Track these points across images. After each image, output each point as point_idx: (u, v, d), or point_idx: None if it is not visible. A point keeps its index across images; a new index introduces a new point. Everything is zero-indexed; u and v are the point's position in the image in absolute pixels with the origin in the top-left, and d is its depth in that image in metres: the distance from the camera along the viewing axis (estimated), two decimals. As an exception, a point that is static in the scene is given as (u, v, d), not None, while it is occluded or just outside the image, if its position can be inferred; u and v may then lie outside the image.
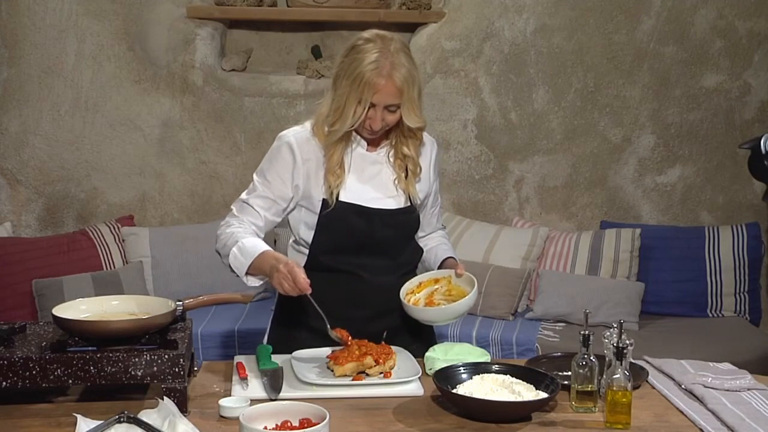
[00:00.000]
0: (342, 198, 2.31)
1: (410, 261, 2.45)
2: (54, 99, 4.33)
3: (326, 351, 2.22)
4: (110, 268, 4.10)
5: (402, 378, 2.11)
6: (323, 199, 2.31)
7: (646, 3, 4.42)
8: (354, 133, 2.33)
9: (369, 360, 2.12)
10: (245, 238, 2.27)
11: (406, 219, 2.38)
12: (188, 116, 4.41)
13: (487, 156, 4.52)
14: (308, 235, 2.35)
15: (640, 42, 4.45)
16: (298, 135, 2.36)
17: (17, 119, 4.33)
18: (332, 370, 2.13)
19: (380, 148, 2.37)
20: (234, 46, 4.60)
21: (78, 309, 2.08)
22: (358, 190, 2.33)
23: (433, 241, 2.54)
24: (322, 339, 2.24)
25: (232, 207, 2.40)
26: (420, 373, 2.14)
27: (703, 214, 4.59)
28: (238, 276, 2.28)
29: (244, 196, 2.38)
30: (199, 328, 3.77)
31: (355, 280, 2.33)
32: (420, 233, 2.51)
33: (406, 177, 2.36)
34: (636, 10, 4.42)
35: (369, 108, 2.22)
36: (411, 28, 4.50)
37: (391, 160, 2.37)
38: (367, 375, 2.12)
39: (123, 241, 4.20)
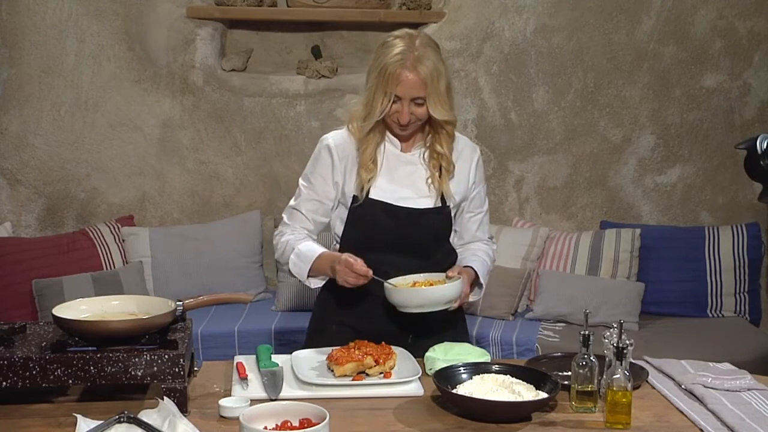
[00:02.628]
0: (372, 195, 2.35)
1: (443, 263, 2.41)
2: (54, 99, 4.33)
3: (326, 351, 2.22)
4: (110, 268, 4.10)
5: (402, 378, 2.11)
6: (354, 195, 2.36)
7: (646, 3, 4.42)
8: (388, 133, 2.38)
9: (369, 360, 2.12)
10: (300, 243, 2.37)
11: (437, 219, 2.39)
12: (188, 116, 4.41)
13: (487, 156, 4.52)
14: (341, 231, 2.42)
15: (640, 42, 4.45)
16: (336, 136, 2.43)
17: (17, 119, 4.33)
18: (332, 370, 2.13)
19: (415, 149, 2.41)
20: (234, 46, 4.60)
21: (78, 309, 2.08)
22: (389, 189, 2.37)
23: (468, 252, 2.50)
24: (354, 335, 2.29)
25: (283, 215, 2.47)
26: (420, 373, 2.14)
27: (703, 214, 4.59)
28: (301, 281, 2.40)
29: (292, 202, 2.46)
30: (199, 328, 3.77)
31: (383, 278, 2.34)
32: (458, 240, 2.50)
33: (440, 175, 2.38)
34: (636, 10, 4.42)
35: (396, 101, 2.27)
36: (411, 28, 4.47)
37: (426, 160, 2.40)
38: (367, 375, 2.12)
39: (123, 241, 4.20)
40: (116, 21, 4.31)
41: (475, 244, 2.52)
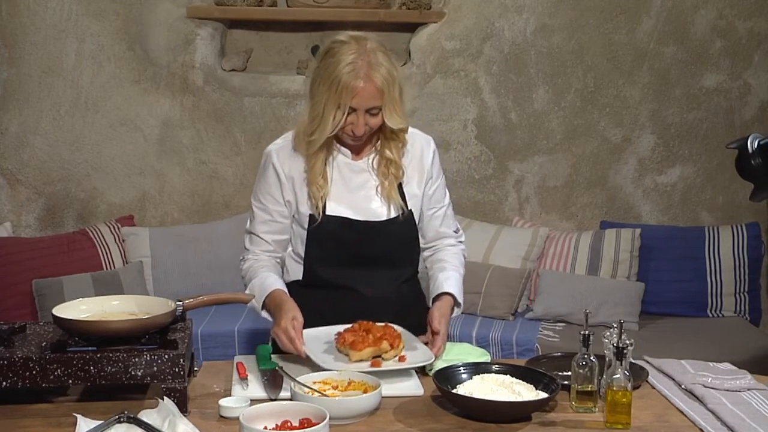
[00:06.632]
0: (329, 211, 2.26)
1: (410, 270, 2.38)
2: (54, 99, 4.33)
3: (331, 330, 2.21)
4: (110, 268, 4.10)
5: (416, 362, 2.11)
6: (311, 215, 2.27)
7: (646, 3, 4.42)
8: (336, 143, 2.27)
9: (385, 345, 2.11)
10: (256, 277, 2.29)
11: (400, 228, 2.30)
12: (188, 116, 4.41)
13: (487, 156, 4.52)
14: (302, 250, 2.32)
15: (640, 42, 4.45)
16: (281, 150, 2.31)
17: (17, 119, 4.33)
18: (347, 354, 2.12)
19: (365, 155, 2.31)
20: (234, 46, 4.60)
21: (78, 309, 2.08)
22: (346, 202, 2.28)
23: (438, 255, 2.41)
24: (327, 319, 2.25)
25: (244, 239, 2.40)
26: (433, 357, 2.13)
27: (703, 214, 4.59)
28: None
29: (248, 225, 2.38)
30: (199, 328, 3.77)
31: (351, 294, 2.30)
32: (422, 240, 2.40)
33: (389, 182, 2.29)
34: (636, 10, 4.42)
35: (350, 113, 2.16)
36: (411, 28, 4.50)
37: (376, 167, 2.30)
38: (383, 359, 2.12)
39: (123, 241, 4.20)
40: (116, 21, 4.31)
41: (443, 247, 2.41)
